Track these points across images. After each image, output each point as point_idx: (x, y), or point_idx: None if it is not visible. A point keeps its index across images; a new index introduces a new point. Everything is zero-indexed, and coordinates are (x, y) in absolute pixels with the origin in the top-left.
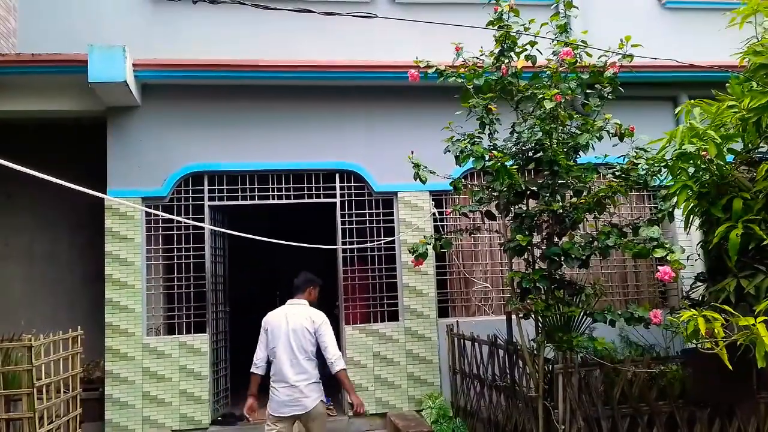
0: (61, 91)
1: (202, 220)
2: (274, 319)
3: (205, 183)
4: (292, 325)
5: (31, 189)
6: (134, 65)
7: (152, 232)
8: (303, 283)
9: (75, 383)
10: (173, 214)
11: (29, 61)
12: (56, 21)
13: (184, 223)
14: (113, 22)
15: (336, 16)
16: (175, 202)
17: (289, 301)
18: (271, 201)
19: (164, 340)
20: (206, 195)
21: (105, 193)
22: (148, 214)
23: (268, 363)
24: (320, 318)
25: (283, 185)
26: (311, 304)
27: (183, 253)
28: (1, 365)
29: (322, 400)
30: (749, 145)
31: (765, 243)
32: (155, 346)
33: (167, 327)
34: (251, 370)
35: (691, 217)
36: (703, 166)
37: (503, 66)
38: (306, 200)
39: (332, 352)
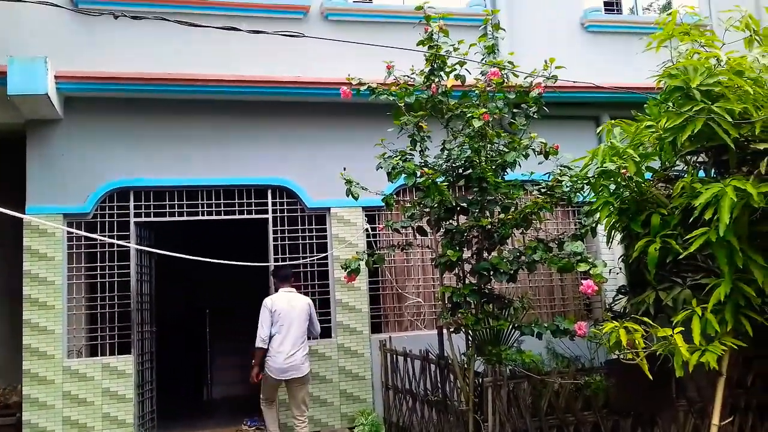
0: None
1: (127, 237)
2: (280, 303)
3: (131, 199)
4: (297, 308)
5: None
6: (56, 77)
7: (74, 250)
8: (289, 275)
9: None
10: (97, 231)
11: None
12: None
13: (107, 240)
14: (35, 33)
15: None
16: (99, 219)
17: (282, 289)
18: (200, 217)
19: (86, 362)
20: (132, 211)
21: (24, 208)
22: (70, 231)
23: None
24: (311, 303)
25: (213, 201)
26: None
27: (107, 271)
28: None
29: (310, 368)
30: (666, 163)
31: (681, 256)
32: (77, 368)
33: (90, 348)
34: (258, 345)
35: (613, 232)
36: (623, 183)
37: (433, 85)
38: (237, 216)
39: (316, 328)
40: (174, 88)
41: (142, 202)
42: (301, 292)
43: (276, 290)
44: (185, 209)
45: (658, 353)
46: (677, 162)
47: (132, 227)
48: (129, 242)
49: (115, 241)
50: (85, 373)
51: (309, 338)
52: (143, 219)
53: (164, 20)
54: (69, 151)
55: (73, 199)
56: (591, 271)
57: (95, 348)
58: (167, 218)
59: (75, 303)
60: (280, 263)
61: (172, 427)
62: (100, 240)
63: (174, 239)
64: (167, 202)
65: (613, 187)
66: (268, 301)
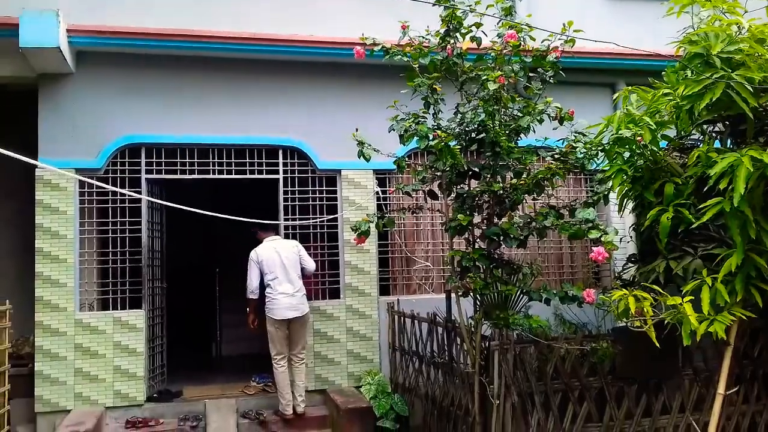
0: None
1: (138, 194)
2: (265, 253)
3: (143, 155)
4: (284, 254)
5: None
6: (68, 31)
7: (86, 205)
8: (271, 225)
9: (3, 358)
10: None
11: None
12: None
13: (119, 192)
14: None
15: None
16: (110, 175)
17: (267, 239)
18: (211, 176)
19: (98, 315)
20: (143, 168)
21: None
22: (81, 186)
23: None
24: (299, 244)
25: (225, 160)
26: None
27: (118, 227)
28: None
29: (308, 309)
30: (682, 132)
31: (694, 226)
32: (88, 321)
33: (101, 302)
34: (248, 297)
35: (625, 200)
36: (638, 151)
37: (449, 46)
38: (248, 176)
39: (310, 265)
40: (185, 45)
41: (154, 159)
42: (311, 254)
43: (260, 242)
44: (196, 167)
45: (666, 321)
46: (693, 131)
47: (143, 183)
48: (140, 199)
49: (127, 191)
50: (97, 326)
51: (306, 276)
52: (154, 176)
53: None
54: (81, 106)
55: (85, 154)
56: (602, 238)
57: (107, 302)
58: (178, 176)
59: (87, 257)
60: (285, 222)
61: (181, 381)
62: (113, 193)
63: (184, 198)
64: (179, 160)
65: (627, 154)
66: (253, 254)
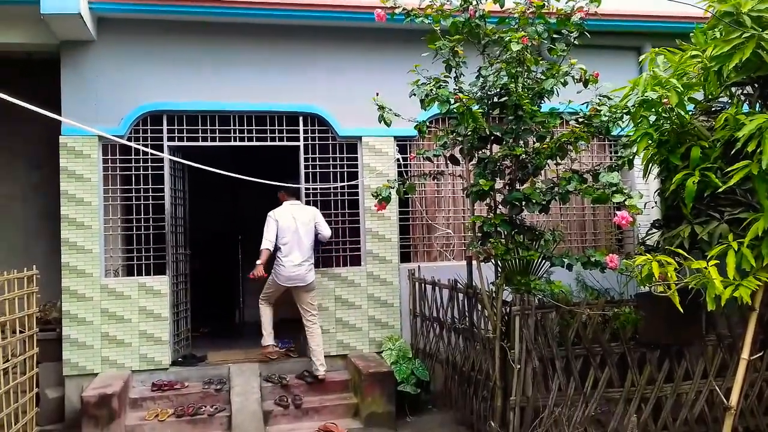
0: (12, 23)
1: (161, 161)
2: (283, 216)
3: (164, 123)
4: (301, 220)
5: None
6: None
7: (109, 172)
8: (296, 190)
9: (31, 323)
10: (131, 155)
11: None
12: None
13: (142, 156)
14: None
15: None
16: (132, 142)
17: (287, 203)
18: (232, 143)
19: (123, 281)
20: (165, 135)
21: (60, 131)
22: (104, 153)
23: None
24: (317, 211)
25: (245, 126)
26: None
27: (142, 194)
28: None
29: (314, 277)
30: (710, 95)
31: (720, 190)
32: (114, 287)
33: (126, 268)
34: (264, 246)
35: (650, 165)
36: (664, 114)
37: (471, 8)
38: (269, 143)
39: (326, 231)
40: (206, 10)
41: (176, 126)
42: (331, 221)
43: (281, 203)
44: (217, 134)
45: (690, 286)
46: (722, 94)
47: (165, 150)
48: (163, 166)
49: (150, 150)
50: (122, 292)
51: (321, 242)
52: (176, 143)
53: None
54: (103, 73)
55: (108, 121)
56: (626, 202)
57: (131, 268)
58: (200, 143)
59: (111, 224)
60: (306, 187)
61: (205, 346)
62: (136, 158)
63: (206, 165)
64: (200, 127)
65: (653, 118)
66: (272, 213)
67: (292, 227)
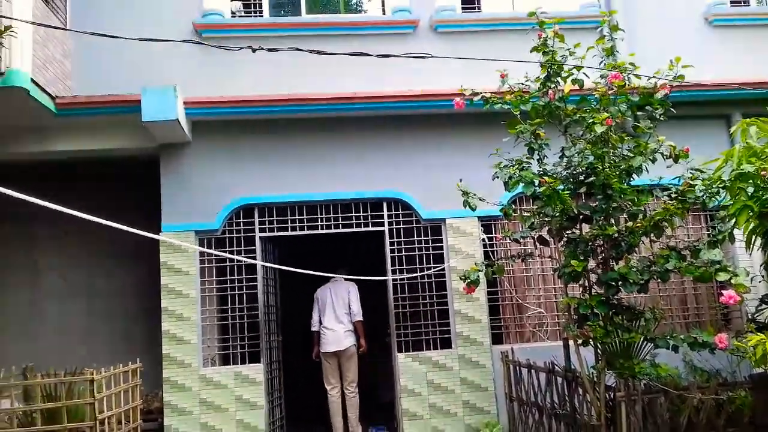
0: (116, 130)
1: (253, 251)
2: (321, 291)
3: (256, 215)
4: (335, 294)
5: (87, 225)
6: (185, 103)
7: (206, 264)
8: (341, 271)
9: (135, 415)
10: (225, 247)
11: (84, 102)
12: (109, 64)
13: (235, 254)
14: (161, 62)
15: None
16: (227, 235)
17: (332, 280)
18: (320, 231)
19: (220, 370)
20: (257, 227)
21: (159, 227)
22: (201, 245)
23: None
24: (352, 287)
25: (332, 214)
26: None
27: (236, 284)
28: (64, 399)
29: (354, 344)
30: None
31: None
32: (211, 376)
33: (222, 357)
34: (312, 329)
35: (753, 237)
36: (762, 185)
37: (550, 91)
38: (354, 229)
39: (355, 309)
40: (289, 108)
41: (266, 218)
42: (419, 303)
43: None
44: (306, 223)
45: None
46: None
47: (257, 242)
48: (255, 256)
49: (243, 257)
50: (219, 381)
51: (353, 318)
52: (267, 234)
53: (298, 50)
54: (198, 172)
55: (204, 216)
56: (732, 281)
57: (227, 357)
58: (289, 233)
59: (208, 314)
60: (393, 277)
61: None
62: (230, 259)
63: (297, 249)
64: (289, 217)
65: (751, 189)
66: (316, 292)
67: (328, 300)
